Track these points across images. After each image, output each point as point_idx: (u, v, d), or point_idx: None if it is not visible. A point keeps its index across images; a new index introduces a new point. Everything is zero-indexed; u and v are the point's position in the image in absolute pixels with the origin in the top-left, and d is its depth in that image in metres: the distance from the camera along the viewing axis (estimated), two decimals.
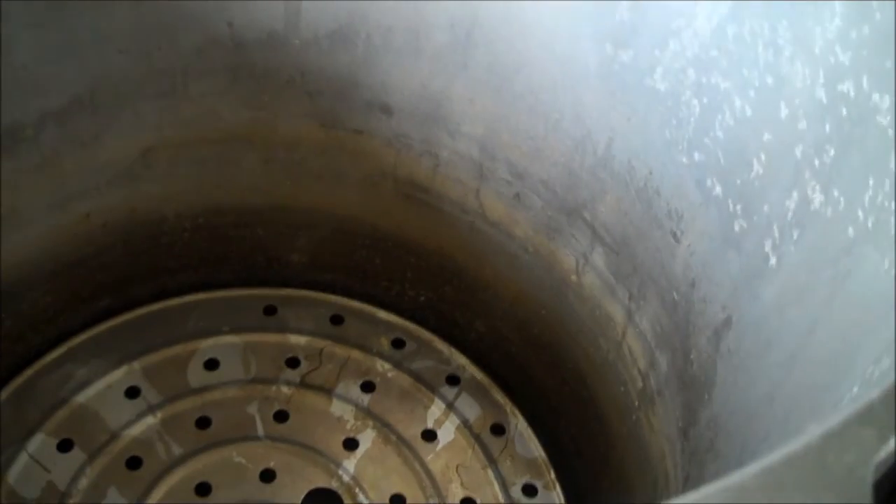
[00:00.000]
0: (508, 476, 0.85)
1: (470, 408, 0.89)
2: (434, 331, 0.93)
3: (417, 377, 0.90)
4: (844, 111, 0.53)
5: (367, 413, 0.87)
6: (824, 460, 0.34)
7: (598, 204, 0.76)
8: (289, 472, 0.83)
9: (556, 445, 0.87)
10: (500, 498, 0.83)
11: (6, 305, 0.82)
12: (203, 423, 0.85)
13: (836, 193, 0.54)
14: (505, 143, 0.79)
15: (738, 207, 0.63)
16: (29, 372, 0.86)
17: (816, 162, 0.56)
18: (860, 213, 0.52)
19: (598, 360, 0.81)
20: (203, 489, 0.81)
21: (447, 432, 0.87)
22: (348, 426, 0.86)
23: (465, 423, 0.87)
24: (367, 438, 0.85)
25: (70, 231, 0.83)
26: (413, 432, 0.86)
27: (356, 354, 0.91)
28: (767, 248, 0.60)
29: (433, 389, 0.89)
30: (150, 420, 0.84)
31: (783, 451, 0.33)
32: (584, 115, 0.73)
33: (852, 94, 0.53)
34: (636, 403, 0.77)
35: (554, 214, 0.80)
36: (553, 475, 0.85)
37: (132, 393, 0.86)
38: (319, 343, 0.91)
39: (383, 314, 0.94)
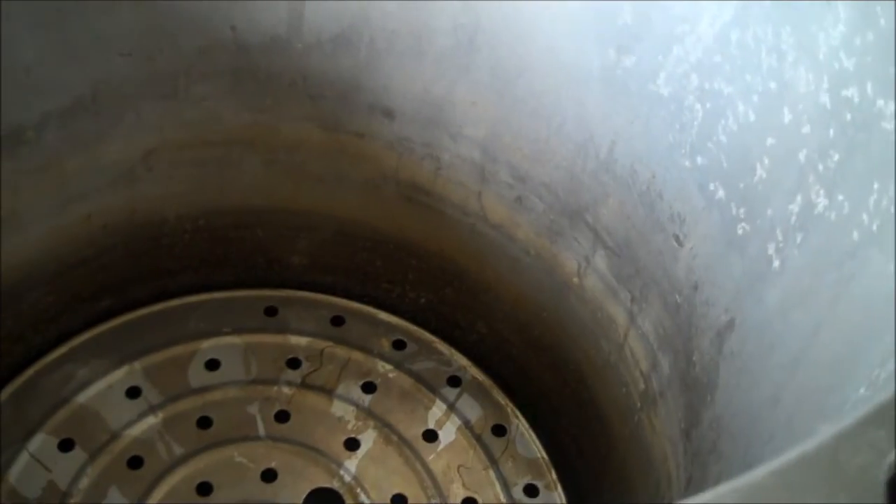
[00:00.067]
0: (510, 476, 0.85)
1: (471, 409, 0.89)
2: (435, 332, 0.93)
3: (418, 378, 0.90)
4: (849, 116, 0.54)
5: (368, 413, 0.87)
6: (837, 461, 0.34)
7: (600, 207, 0.76)
8: (290, 472, 0.83)
9: (558, 446, 0.87)
10: (502, 498, 0.84)
11: (7, 306, 0.82)
12: (204, 423, 0.85)
13: (840, 197, 0.55)
14: (507, 146, 0.80)
15: (742, 211, 0.63)
16: (30, 372, 0.86)
17: (820, 166, 0.56)
18: (865, 217, 0.52)
19: (600, 362, 0.81)
20: (204, 489, 0.81)
21: (448, 433, 0.87)
22: (349, 426, 0.86)
23: (467, 424, 0.88)
24: (368, 439, 0.86)
25: (71, 232, 0.83)
26: (414, 433, 0.87)
27: (357, 355, 0.91)
28: (771, 251, 0.61)
29: (434, 390, 0.90)
30: (151, 420, 0.84)
31: (796, 452, 0.34)
32: (587, 119, 0.74)
33: (856, 99, 0.53)
34: (638, 405, 0.77)
35: (556, 217, 0.80)
36: (554, 476, 0.86)
37: (133, 393, 0.86)
38: (320, 344, 0.91)
39: (384, 315, 0.94)
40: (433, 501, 0.83)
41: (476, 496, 0.84)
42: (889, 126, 0.51)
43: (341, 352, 0.91)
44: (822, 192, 0.56)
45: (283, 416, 0.86)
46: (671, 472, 0.72)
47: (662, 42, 0.66)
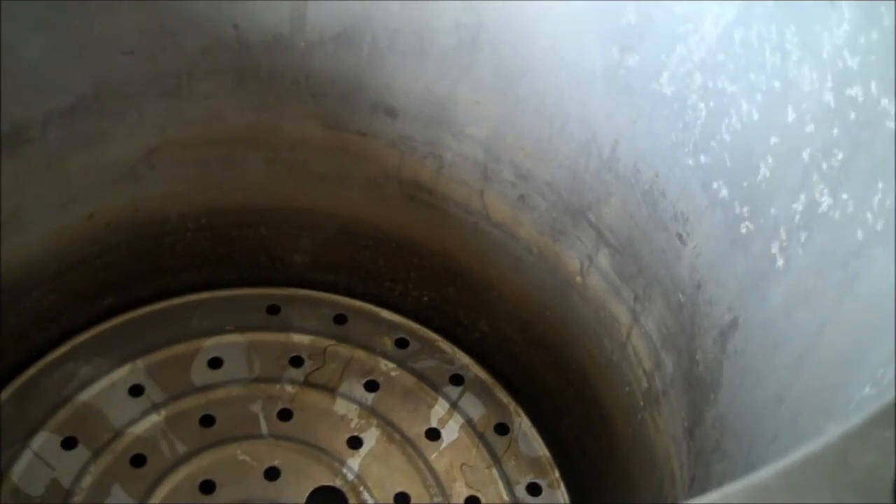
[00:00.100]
0: (512, 475, 0.85)
1: (474, 407, 0.89)
2: (437, 331, 0.93)
3: (421, 376, 0.90)
4: (853, 115, 0.54)
5: (370, 412, 0.87)
6: (845, 461, 0.34)
7: (603, 206, 0.76)
8: (293, 470, 0.83)
9: (561, 445, 0.87)
10: (505, 497, 0.84)
11: (10, 304, 0.82)
12: (207, 421, 0.85)
13: (844, 196, 0.55)
14: (510, 145, 0.80)
15: (745, 210, 0.63)
16: (32, 370, 0.86)
17: (824, 165, 0.56)
18: (869, 216, 0.52)
19: (603, 361, 0.82)
20: (207, 487, 0.81)
21: (451, 431, 0.87)
22: (352, 425, 0.86)
23: (469, 423, 0.88)
24: (371, 437, 0.86)
25: (74, 231, 0.83)
26: (417, 431, 0.87)
27: (360, 354, 0.91)
28: (774, 250, 0.61)
29: (437, 389, 0.90)
30: (154, 418, 0.84)
31: (803, 452, 0.34)
32: (590, 118, 0.74)
33: (861, 98, 0.53)
34: (641, 403, 0.77)
35: (559, 216, 0.80)
36: (557, 474, 0.86)
37: (136, 391, 0.86)
38: (323, 342, 0.91)
39: (387, 314, 0.94)
40: (436, 500, 0.83)
41: (479, 495, 0.84)
42: (893, 125, 0.51)
43: (344, 350, 0.91)
44: (826, 191, 0.56)
45: (285, 415, 0.86)
46: (674, 471, 0.72)
47: (665, 41, 0.66)
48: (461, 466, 0.85)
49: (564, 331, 0.85)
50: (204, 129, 0.82)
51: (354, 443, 0.85)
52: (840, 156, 0.55)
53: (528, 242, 0.84)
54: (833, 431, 0.35)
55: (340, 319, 0.93)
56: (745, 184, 0.63)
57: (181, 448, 0.83)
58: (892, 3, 0.51)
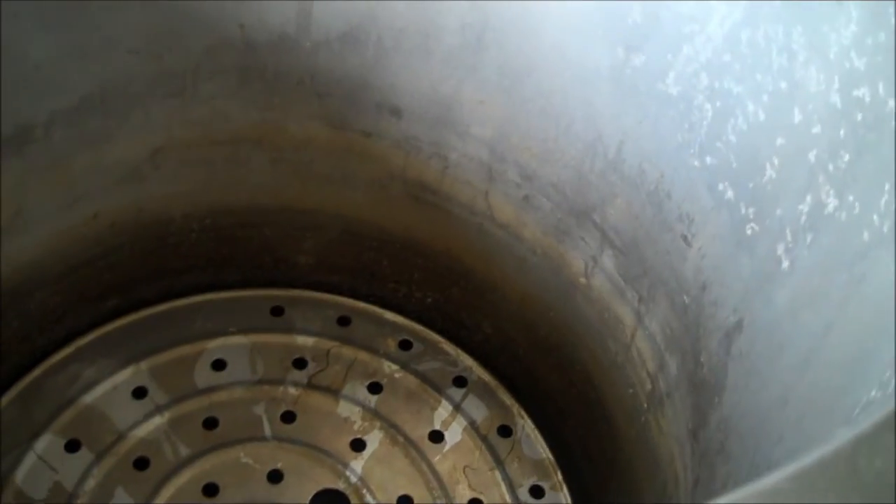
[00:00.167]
0: (516, 477, 0.85)
1: (477, 409, 0.89)
2: (441, 332, 0.93)
3: (424, 378, 0.90)
4: (860, 116, 0.54)
5: (374, 414, 0.87)
6: (855, 465, 0.34)
7: (608, 207, 0.76)
8: (296, 472, 0.83)
9: (564, 447, 0.87)
10: (508, 499, 0.84)
11: (14, 305, 0.82)
12: (210, 423, 0.85)
13: (850, 198, 0.54)
14: (515, 145, 0.79)
15: (751, 211, 0.63)
16: (36, 372, 0.86)
17: (831, 166, 0.56)
18: (875, 218, 0.52)
19: (607, 363, 0.81)
20: (210, 490, 0.81)
21: (454, 434, 0.87)
22: (355, 427, 0.86)
23: (473, 425, 0.88)
24: (374, 439, 0.86)
25: (78, 231, 0.83)
26: (420, 433, 0.87)
27: (363, 356, 0.91)
28: (780, 251, 0.60)
29: (440, 391, 0.89)
30: (157, 420, 0.84)
31: (814, 456, 0.34)
32: (595, 119, 0.73)
33: (868, 99, 0.53)
34: (645, 405, 0.77)
35: (563, 217, 0.80)
36: (560, 477, 0.86)
37: (139, 393, 0.86)
38: (326, 344, 0.91)
39: (390, 315, 0.94)
40: (439, 502, 0.83)
41: (482, 497, 0.84)
42: None
43: (347, 352, 0.91)
44: (832, 192, 0.56)
45: (289, 417, 0.86)
46: (678, 473, 0.72)
47: (672, 41, 0.66)
48: (464, 469, 0.85)
49: (568, 332, 0.85)
50: (209, 130, 0.82)
51: (358, 445, 0.85)
52: (846, 157, 0.55)
53: (532, 243, 0.84)
54: (842, 436, 0.35)
55: (344, 321, 0.93)
56: (750, 185, 0.63)
57: (184, 451, 0.83)
58: None
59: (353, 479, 0.83)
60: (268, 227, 0.91)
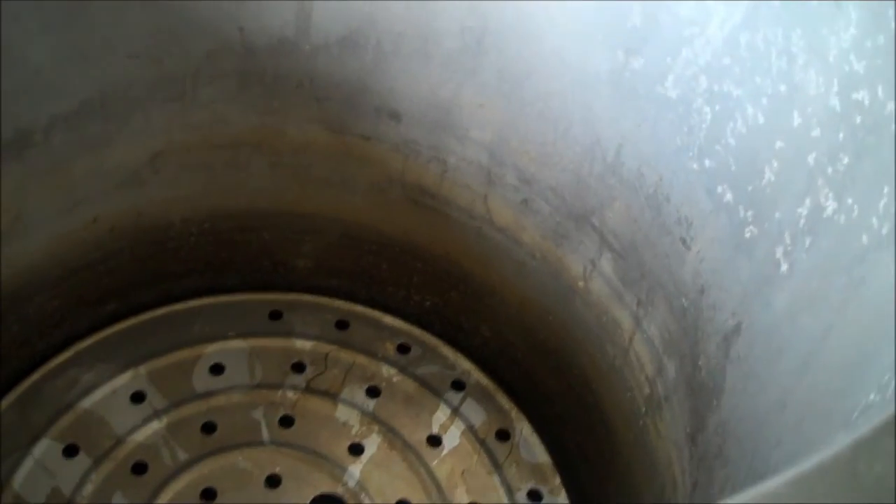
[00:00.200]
0: (514, 481, 0.85)
1: (475, 413, 0.89)
2: (439, 336, 0.93)
3: (423, 382, 0.90)
4: (859, 119, 0.54)
5: (372, 418, 0.87)
6: (855, 469, 0.34)
7: (606, 210, 0.76)
8: (294, 477, 0.83)
9: (562, 451, 0.87)
10: (506, 503, 0.84)
11: (13, 310, 0.82)
12: (208, 428, 0.85)
13: (849, 201, 0.55)
14: (513, 149, 0.80)
15: (749, 214, 0.63)
16: (35, 376, 0.86)
17: (830, 169, 0.56)
18: (874, 221, 0.52)
19: (605, 366, 0.81)
20: (209, 494, 0.81)
21: (452, 437, 0.87)
22: (353, 431, 0.86)
23: (471, 429, 0.88)
24: (372, 444, 0.86)
25: (77, 235, 0.83)
26: (418, 437, 0.87)
27: (361, 359, 0.91)
28: (779, 254, 0.60)
29: (438, 394, 0.89)
30: (155, 425, 0.84)
31: (814, 460, 0.34)
32: (594, 122, 0.74)
33: (867, 102, 0.53)
34: (643, 409, 0.77)
35: (562, 220, 0.80)
36: (558, 481, 0.86)
37: (138, 398, 0.86)
38: (325, 348, 0.91)
39: (389, 319, 0.94)
40: None
41: (480, 501, 0.83)
42: None
43: (346, 356, 0.91)
44: (831, 195, 0.56)
45: (287, 421, 0.86)
46: (676, 476, 0.72)
47: (671, 44, 0.66)
48: (462, 473, 0.85)
49: (567, 336, 0.85)
50: (208, 134, 0.82)
51: (356, 449, 0.85)
52: (846, 160, 0.55)
53: (531, 247, 0.84)
54: (842, 440, 0.35)
55: (342, 325, 0.93)
56: (749, 188, 0.63)
57: (182, 455, 0.83)
58: None
59: (352, 484, 0.83)
60: (267, 231, 0.91)
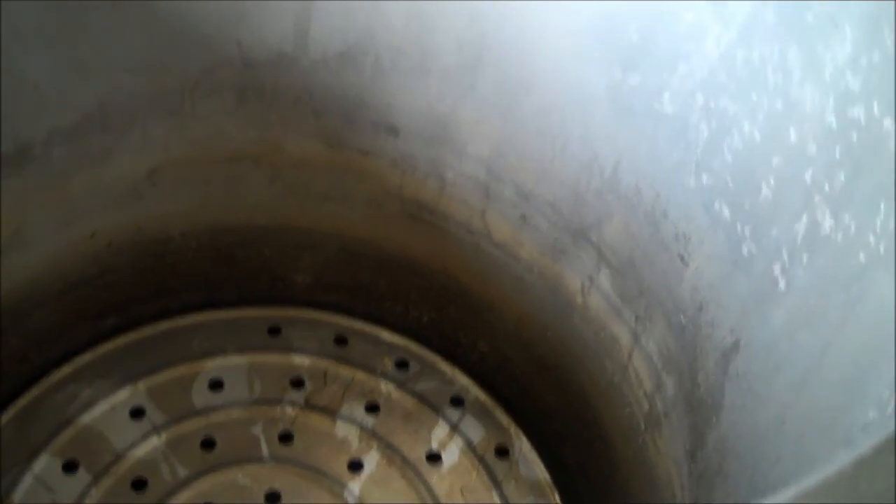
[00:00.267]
0: (513, 498, 0.85)
1: (474, 429, 0.89)
2: (438, 351, 0.93)
3: (421, 398, 0.90)
4: (855, 136, 0.54)
5: (371, 434, 0.87)
6: (856, 487, 0.34)
7: (604, 226, 0.76)
8: (294, 493, 0.82)
9: (561, 467, 0.87)
10: None
11: (12, 325, 0.82)
12: (208, 444, 0.85)
13: (846, 218, 0.54)
14: (511, 164, 0.80)
15: (747, 231, 0.63)
16: (34, 392, 0.85)
17: (826, 186, 0.56)
18: (871, 238, 0.52)
19: (604, 383, 0.81)
20: None
21: (451, 454, 0.87)
22: (353, 448, 0.86)
23: (470, 445, 0.87)
24: (371, 460, 0.85)
25: (76, 250, 0.83)
26: (417, 454, 0.86)
27: (360, 375, 0.91)
28: (776, 271, 0.60)
29: (437, 411, 0.89)
30: (154, 441, 0.84)
31: (815, 478, 0.34)
32: (592, 138, 0.74)
33: (863, 119, 0.53)
34: (642, 426, 0.77)
35: (560, 236, 0.80)
36: (557, 497, 0.85)
37: (137, 413, 0.86)
38: (323, 363, 0.91)
39: (387, 334, 0.94)
40: None
41: None
42: (895, 146, 0.51)
43: (345, 371, 0.91)
44: (828, 212, 0.56)
45: (286, 437, 0.86)
46: (676, 493, 0.72)
47: (668, 60, 0.66)
48: (462, 490, 0.84)
49: (565, 352, 0.85)
50: (207, 148, 0.82)
51: (355, 466, 0.85)
52: (842, 177, 0.55)
53: (529, 262, 0.84)
54: (843, 458, 0.35)
55: (341, 340, 0.93)
56: (747, 204, 0.63)
57: (182, 471, 0.83)
58: (895, 24, 0.51)
59: (351, 501, 0.83)
60: (265, 246, 0.91)
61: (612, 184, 0.74)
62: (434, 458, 0.86)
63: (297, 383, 0.89)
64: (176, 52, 0.75)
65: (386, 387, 0.90)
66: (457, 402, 0.90)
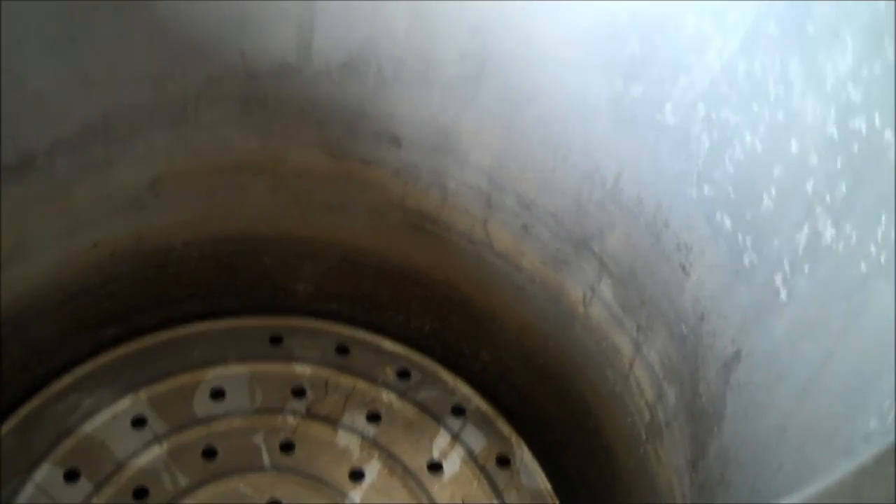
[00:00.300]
0: None
1: (475, 439, 0.89)
2: (439, 361, 0.93)
3: (423, 407, 0.90)
4: (856, 147, 0.54)
5: (372, 444, 0.87)
6: (858, 495, 0.34)
7: (606, 236, 0.76)
8: (295, 503, 0.82)
9: (562, 477, 0.87)
10: None
11: (13, 334, 0.82)
12: (209, 453, 0.85)
13: (847, 228, 0.55)
14: (513, 174, 0.80)
15: (748, 241, 0.63)
16: (35, 401, 0.86)
17: (828, 197, 0.56)
18: (873, 248, 0.52)
19: (605, 392, 0.81)
20: None
21: (453, 463, 0.87)
22: (354, 457, 0.86)
23: (471, 455, 0.87)
24: (372, 469, 0.85)
25: (78, 260, 0.83)
26: (419, 463, 0.86)
27: (361, 384, 0.91)
28: (778, 282, 0.60)
29: (438, 420, 0.89)
30: (156, 450, 0.84)
31: (818, 486, 0.34)
32: (594, 149, 0.74)
33: (864, 130, 0.53)
34: (643, 435, 0.77)
35: (561, 246, 0.80)
36: None
37: (138, 422, 0.86)
38: (325, 373, 0.91)
39: (388, 344, 0.94)
40: None
41: None
42: None
43: (346, 381, 0.91)
44: (829, 222, 0.56)
45: (288, 447, 0.86)
46: (677, 503, 0.72)
47: (669, 71, 0.66)
48: (463, 499, 0.84)
49: (567, 361, 0.85)
50: (210, 158, 0.82)
51: (356, 475, 0.85)
52: (843, 188, 0.55)
53: (530, 272, 0.84)
54: (844, 467, 0.35)
55: (342, 349, 0.93)
56: (748, 215, 0.63)
57: (183, 480, 0.83)
58: None
59: None
60: (267, 256, 0.91)
61: (613, 194, 0.74)
62: (435, 467, 0.86)
63: (299, 392, 0.90)
64: (179, 63, 0.76)
65: (387, 396, 0.90)
66: (458, 411, 0.90)
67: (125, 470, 0.83)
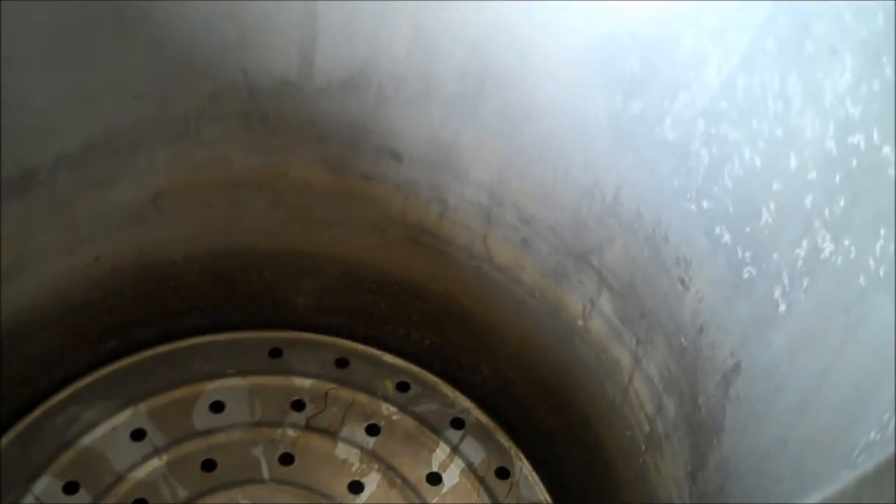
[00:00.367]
0: None
1: (475, 451, 0.89)
2: (439, 374, 0.94)
3: (422, 420, 0.90)
4: (854, 163, 0.55)
5: (372, 456, 0.87)
6: None
7: (605, 250, 0.77)
8: None
9: (562, 489, 0.87)
10: None
11: (14, 348, 0.83)
12: (208, 465, 0.85)
13: (846, 243, 0.55)
14: (513, 189, 0.80)
15: (748, 255, 0.64)
16: (35, 413, 0.86)
17: (826, 212, 0.57)
18: (871, 263, 0.53)
19: (605, 405, 0.82)
20: None
21: (452, 476, 0.87)
22: (353, 469, 0.86)
23: (470, 467, 0.88)
24: (372, 482, 0.86)
25: (79, 274, 0.84)
26: (418, 475, 0.87)
27: (361, 397, 0.91)
28: (777, 295, 0.61)
29: (438, 433, 0.90)
30: (155, 462, 0.84)
31: (819, 497, 0.34)
32: (593, 164, 0.74)
33: (862, 146, 0.54)
34: (643, 447, 0.77)
35: (561, 260, 0.81)
36: None
37: (138, 435, 0.86)
38: (325, 386, 0.91)
39: (388, 357, 0.95)
40: None
41: None
42: (894, 173, 0.52)
43: (345, 394, 0.91)
44: (828, 237, 0.57)
45: (287, 459, 0.86)
46: None
47: (668, 88, 0.67)
48: None
49: (566, 374, 0.85)
50: (211, 173, 0.83)
51: (356, 487, 0.85)
52: (842, 202, 0.56)
53: (530, 286, 0.85)
54: (845, 477, 0.36)
55: (342, 363, 0.94)
56: (747, 229, 0.63)
57: (182, 493, 0.83)
58: (894, 53, 0.52)
59: None
60: (267, 270, 0.92)
61: (613, 209, 0.75)
62: (435, 479, 0.87)
63: (298, 405, 0.90)
64: (182, 79, 0.76)
65: (387, 409, 0.91)
66: (458, 424, 0.91)
67: (124, 482, 0.83)
